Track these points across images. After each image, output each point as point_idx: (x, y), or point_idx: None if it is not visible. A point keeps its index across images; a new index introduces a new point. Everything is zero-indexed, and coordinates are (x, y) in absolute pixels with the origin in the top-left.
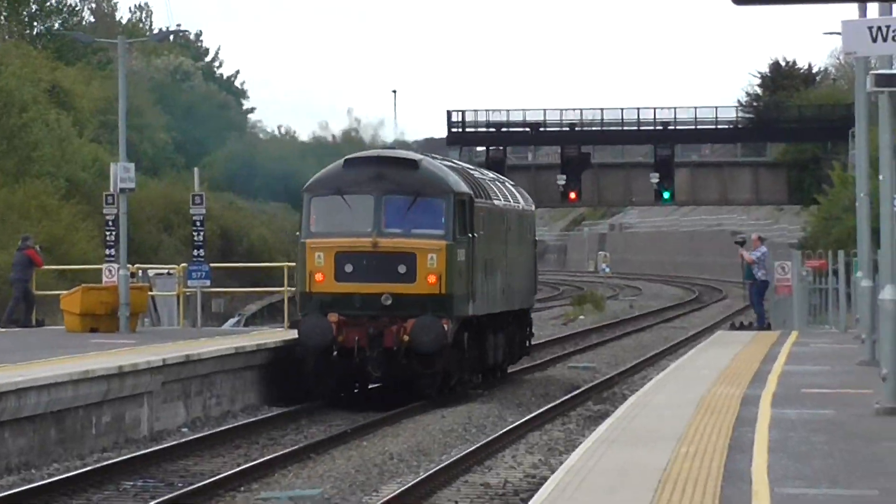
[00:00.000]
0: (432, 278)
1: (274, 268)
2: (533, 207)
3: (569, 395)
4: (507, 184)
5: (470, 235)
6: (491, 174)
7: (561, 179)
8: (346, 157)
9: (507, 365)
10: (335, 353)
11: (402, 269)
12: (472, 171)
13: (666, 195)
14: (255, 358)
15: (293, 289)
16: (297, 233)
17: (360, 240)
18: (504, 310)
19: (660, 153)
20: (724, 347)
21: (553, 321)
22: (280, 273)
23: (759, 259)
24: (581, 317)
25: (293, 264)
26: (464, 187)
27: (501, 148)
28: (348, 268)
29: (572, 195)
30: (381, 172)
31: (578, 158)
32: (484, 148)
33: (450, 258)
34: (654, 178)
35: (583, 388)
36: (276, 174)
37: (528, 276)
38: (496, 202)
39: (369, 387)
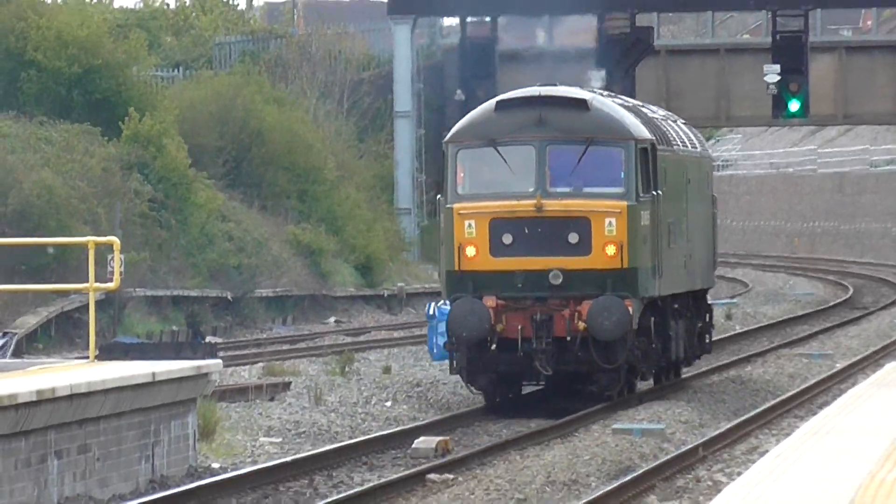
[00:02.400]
0: (611, 249)
1: (70, 246)
2: (710, 152)
3: (613, 486)
4: (679, 122)
5: (654, 193)
6: (661, 111)
7: (597, 78)
8: (498, 98)
9: (684, 365)
10: (493, 345)
11: (573, 238)
12: (643, 109)
13: (794, 106)
14: (35, 417)
15: (107, 285)
16: (439, 196)
17: (521, 202)
18: (687, 289)
19: (782, 27)
20: None
21: None
22: (79, 256)
23: None
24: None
25: (104, 239)
26: (645, 132)
27: (489, 21)
28: (507, 238)
29: None
30: (543, 116)
31: (631, 38)
32: (457, 21)
33: (632, 223)
34: (773, 73)
35: (642, 471)
36: (68, 75)
37: (708, 245)
38: (675, 148)
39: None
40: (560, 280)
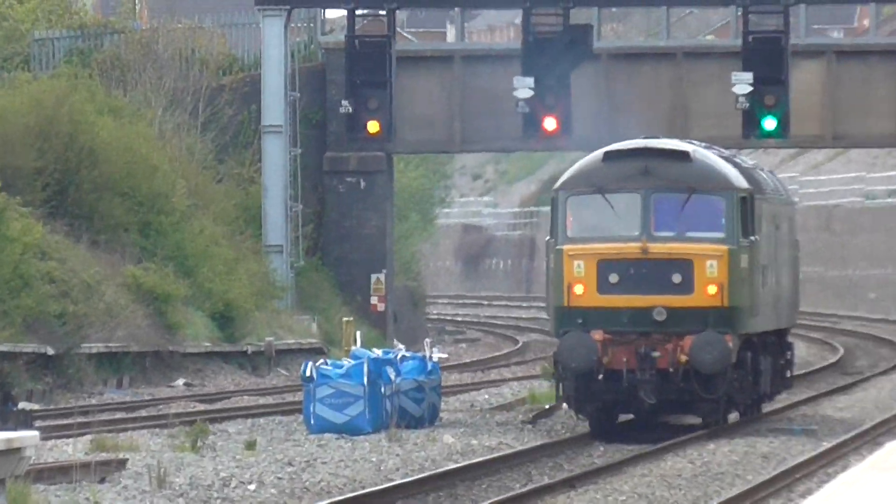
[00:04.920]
0: (712, 289)
1: None
2: (795, 199)
3: None
4: (765, 170)
5: (752, 238)
6: (749, 160)
7: (523, 87)
8: (606, 149)
9: (767, 399)
10: (600, 376)
11: (676, 278)
12: (735, 159)
13: (770, 124)
14: None
15: None
16: (548, 237)
17: (627, 245)
18: (776, 327)
19: (755, 27)
20: None
21: (503, 414)
22: None
23: None
24: (567, 405)
25: None
26: (744, 182)
27: (383, 14)
28: (613, 278)
29: (549, 123)
30: (648, 166)
31: (564, 39)
32: (343, 13)
33: (732, 265)
34: (743, 84)
35: None
36: None
37: (793, 287)
38: (768, 196)
39: (618, 419)
40: (664, 316)
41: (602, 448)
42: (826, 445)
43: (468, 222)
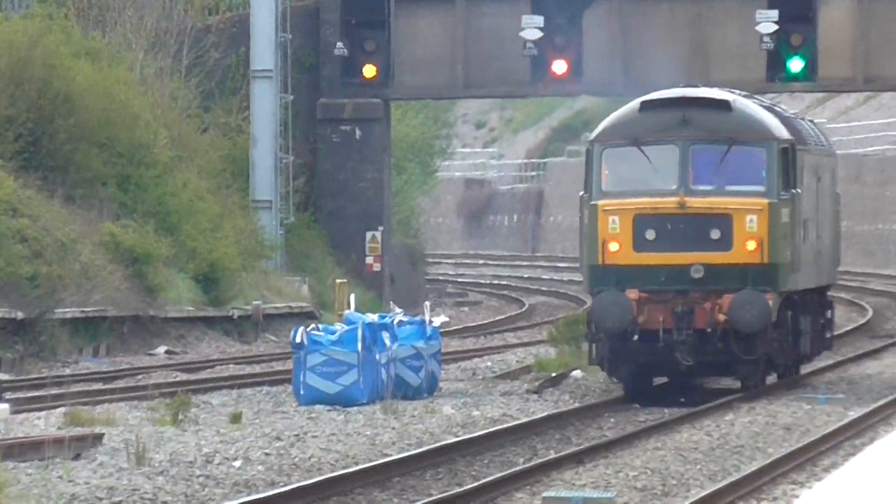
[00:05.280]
0: (752, 244)
1: None
2: (835, 150)
3: None
4: (807, 120)
5: (794, 191)
6: (789, 110)
7: (531, 27)
8: (642, 98)
9: (805, 361)
10: (635, 336)
11: (714, 234)
12: (776, 108)
13: (796, 66)
14: None
15: None
16: (582, 192)
17: (664, 199)
18: (817, 285)
19: None
20: None
21: (505, 384)
22: None
23: None
24: (577, 372)
25: None
26: (785, 132)
27: None
28: (650, 234)
29: (559, 66)
30: (687, 116)
31: None
32: None
33: (773, 220)
34: (768, 22)
35: None
36: None
37: (834, 242)
38: (810, 147)
39: (653, 383)
40: (701, 274)
41: (613, 419)
42: (853, 415)
43: (471, 176)
